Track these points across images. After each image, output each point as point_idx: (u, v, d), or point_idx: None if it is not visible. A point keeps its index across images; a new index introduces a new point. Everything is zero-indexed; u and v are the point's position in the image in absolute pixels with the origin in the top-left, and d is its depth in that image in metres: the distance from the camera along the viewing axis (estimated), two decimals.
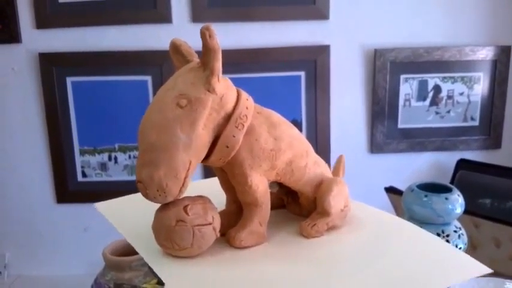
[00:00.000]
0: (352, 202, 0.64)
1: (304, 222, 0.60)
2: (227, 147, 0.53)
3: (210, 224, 0.53)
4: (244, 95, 0.55)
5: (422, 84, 1.59)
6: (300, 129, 1.54)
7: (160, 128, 0.50)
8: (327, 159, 1.62)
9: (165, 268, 0.53)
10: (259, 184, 0.55)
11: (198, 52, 0.53)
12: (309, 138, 0.67)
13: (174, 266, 0.53)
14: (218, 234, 0.55)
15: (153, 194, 0.50)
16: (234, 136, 0.52)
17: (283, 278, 0.51)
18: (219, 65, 0.51)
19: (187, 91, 0.51)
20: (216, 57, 0.50)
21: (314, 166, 0.61)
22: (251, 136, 0.54)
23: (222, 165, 0.55)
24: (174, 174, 0.50)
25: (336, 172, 0.69)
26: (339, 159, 0.71)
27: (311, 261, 0.55)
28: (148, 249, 0.56)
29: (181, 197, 0.53)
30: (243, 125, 0.53)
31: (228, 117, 0.53)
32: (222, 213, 0.58)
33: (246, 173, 0.54)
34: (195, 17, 1.53)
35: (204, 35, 0.49)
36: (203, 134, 0.51)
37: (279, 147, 0.56)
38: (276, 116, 0.59)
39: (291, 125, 0.61)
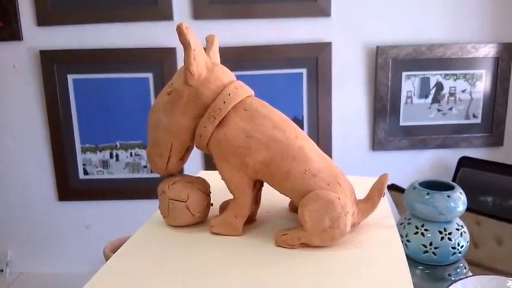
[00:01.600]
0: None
1: (281, 229, 0.58)
2: (200, 136, 0.58)
3: (183, 201, 0.59)
4: (229, 90, 0.57)
5: (424, 82, 1.58)
6: (302, 127, 1.54)
7: (152, 110, 0.60)
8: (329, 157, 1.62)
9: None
10: (232, 178, 0.58)
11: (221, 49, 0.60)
12: (310, 135, 0.65)
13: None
14: (196, 214, 0.60)
15: (150, 166, 0.62)
16: (205, 127, 0.57)
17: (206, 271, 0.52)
18: (190, 60, 0.55)
19: (175, 82, 0.58)
20: (186, 52, 0.55)
21: (304, 175, 0.55)
22: (222, 129, 0.57)
23: (206, 151, 0.60)
24: (159, 152, 0.59)
25: (371, 192, 0.60)
26: (379, 179, 0.61)
27: (252, 263, 0.53)
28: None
29: (174, 173, 0.62)
30: (215, 118, 0.56)
31: (206, 109, 0.57)
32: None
33: (216, 164, 0.59)
34: (196, 15, 1.52)
35: (177, 33, 0.55)
36: (182, 120, 0.58)
37: (249, 145, 0.56)
38: (266, 116, 0.57)
39: (285, 126, 0.57)
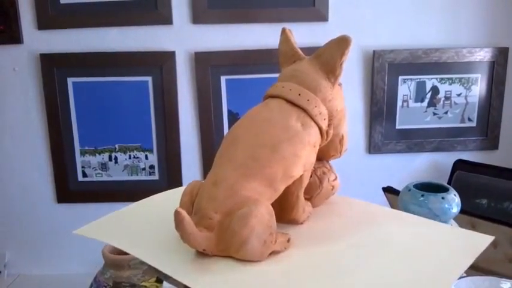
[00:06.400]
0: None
1: None
2: None
3: None
4: (272, 85, 0.66)
5: (420, 86, 1.60)
6: None
7: None
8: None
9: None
10: None
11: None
12: None
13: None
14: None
15: None
16: None
17: None
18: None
19: None
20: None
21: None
22: None
23: None
24: None
25: None
26: None
27: None
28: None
29: None
30: None
31: None
32: None
33: None
34: (196, 19, 1.54)
35: None
36: None
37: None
38: (246, 113, 0.62)
39: (238, 124, 0.62)
